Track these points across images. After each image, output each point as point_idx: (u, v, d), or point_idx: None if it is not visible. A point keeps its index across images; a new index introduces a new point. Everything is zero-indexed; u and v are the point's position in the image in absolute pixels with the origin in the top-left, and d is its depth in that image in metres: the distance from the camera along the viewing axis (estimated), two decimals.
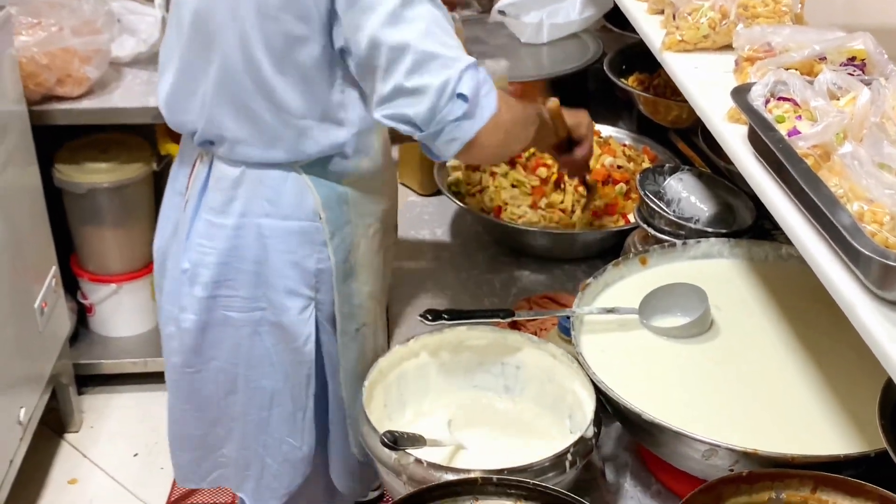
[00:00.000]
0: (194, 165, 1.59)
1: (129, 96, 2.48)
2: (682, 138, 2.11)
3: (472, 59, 1.37)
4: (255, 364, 1.61)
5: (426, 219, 2.11)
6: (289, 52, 1.40)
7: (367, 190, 1.58)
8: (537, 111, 1.56)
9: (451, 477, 1.20)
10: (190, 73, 1.50)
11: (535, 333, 1.61)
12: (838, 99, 1.11)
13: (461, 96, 1.34)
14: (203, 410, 1.70)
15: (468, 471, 1.21)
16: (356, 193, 1.56)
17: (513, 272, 1.92)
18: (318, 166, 1.48)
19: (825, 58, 1.22)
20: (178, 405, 1.72)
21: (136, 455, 2.64)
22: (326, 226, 1.53)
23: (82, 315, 2.83)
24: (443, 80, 1.33)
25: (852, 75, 1.14)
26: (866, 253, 0.87)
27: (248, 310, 1.58)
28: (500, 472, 1.20)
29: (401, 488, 1.25)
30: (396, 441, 1.20)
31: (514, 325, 1.65)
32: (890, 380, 0.87)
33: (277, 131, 1.46)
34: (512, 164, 1.99)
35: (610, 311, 1.45)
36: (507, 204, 1.93)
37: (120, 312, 2.80)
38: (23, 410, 2.29)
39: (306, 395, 1.62)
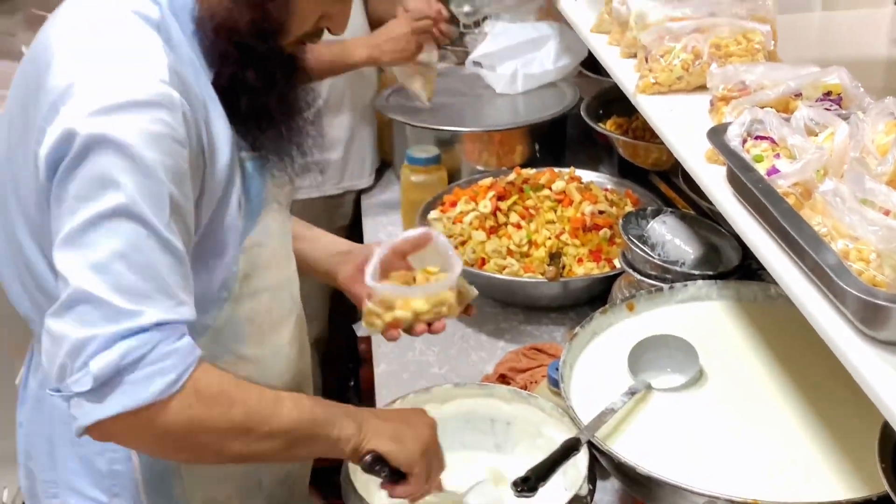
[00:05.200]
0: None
1: None
2: (663, 180, 2.09)
3: (167, 318, 1.02)
4: None
5: None
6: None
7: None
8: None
9: None
10: None
11: (524, 387, 1.58)
12: (816, 135, 1.09)
13: (89, 370, 0.99)
14: None
15: None
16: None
17: (500, 323, 1.89)
18: None
19: (801, 94, 1.21)
20: None
21: None
22: None
23: None
24: (83, 338, 1.00)
25: (829, 110, 1.12)
26: (854, 293, 0.84)
27: None
28: None
29: None
30: None
31: (503, 380, 1.61)
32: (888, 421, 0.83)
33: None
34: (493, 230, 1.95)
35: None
36: (490, 256, 1.90)
37: None
38: (6, 491, 2.24)
39: None
